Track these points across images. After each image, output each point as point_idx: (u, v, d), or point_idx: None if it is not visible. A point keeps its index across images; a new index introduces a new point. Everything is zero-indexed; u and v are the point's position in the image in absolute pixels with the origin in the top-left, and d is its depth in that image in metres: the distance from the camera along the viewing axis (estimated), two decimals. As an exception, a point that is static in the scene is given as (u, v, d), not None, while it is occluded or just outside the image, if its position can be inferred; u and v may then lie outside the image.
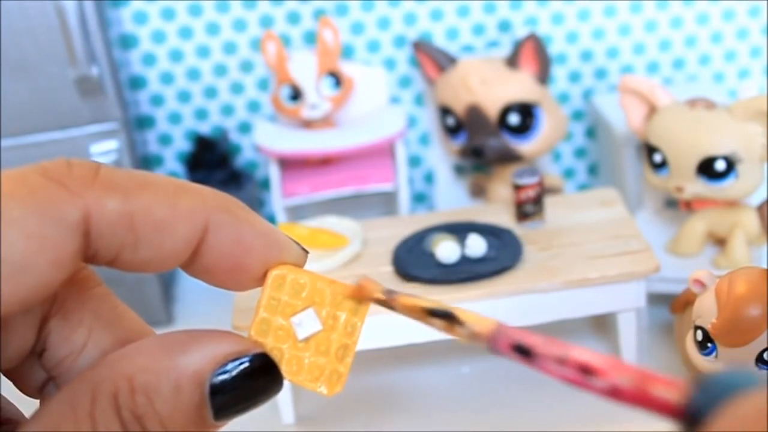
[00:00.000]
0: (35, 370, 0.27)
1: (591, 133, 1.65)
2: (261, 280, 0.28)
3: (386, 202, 1.59)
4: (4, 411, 0.27)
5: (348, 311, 0.28)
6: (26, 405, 0.29)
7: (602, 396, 0.22)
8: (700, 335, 0.94)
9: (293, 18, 1.53)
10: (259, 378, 0.26)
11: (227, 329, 0.27)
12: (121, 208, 0.25)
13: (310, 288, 0.28)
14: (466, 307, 0.27)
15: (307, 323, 0.28)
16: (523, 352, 0.23)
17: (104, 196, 0.24)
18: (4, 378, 0.27)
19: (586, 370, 0.22)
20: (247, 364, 0.26)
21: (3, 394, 0.27)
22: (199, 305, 1.48)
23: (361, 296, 0.28)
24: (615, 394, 0.21)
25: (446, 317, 0.26)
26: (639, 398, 0.21)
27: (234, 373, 0.25)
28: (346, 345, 0.28)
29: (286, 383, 0.28)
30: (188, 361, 0.25)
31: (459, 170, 1.62)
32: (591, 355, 0.22)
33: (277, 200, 1.47)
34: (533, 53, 1.40)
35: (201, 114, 1.58)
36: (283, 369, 0.27)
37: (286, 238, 0.28)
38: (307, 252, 0.29)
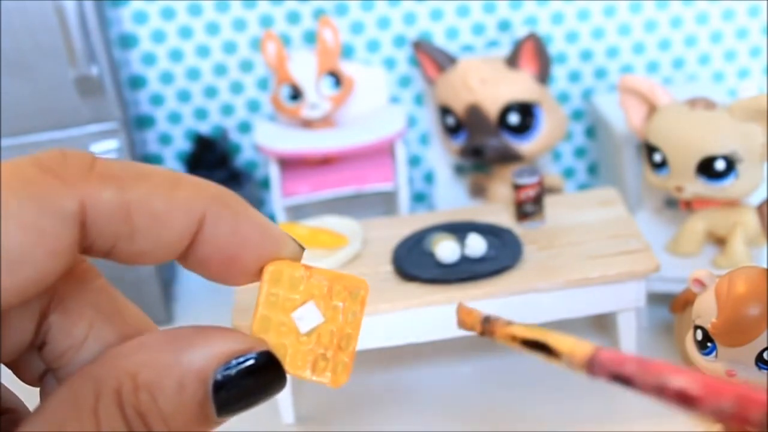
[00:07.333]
0: (34, 362, 0.27)
1: (591, 132, 1.65)
2: (256, 275, 0.28)
3: (386, 202, 1.59)
4: (4, 400, 0.27)
5: (347, 301, 0.28)
6: (26, 393, 0.29)
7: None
8: (699, 335, 0.94)
9: (293, 18, 1.53)
10: (262, 375, 0.26)
11: (226, 326, 0.27)
12: (117, 198, 0.24)
13: (307, 281, 0.28)
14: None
15: (308, 317, 0.28)
16: (622, 380, 0.24)
17: (100, 186, 0.24)
18: (4, 368, 0.27)
19: (684, 399, 0.22)
20: (250, 362, 0.26)
21: (3, 382, 0.27)
22: (199, 304, 1.48)
23: (461, 327, 0.29)
24: (718, 418, 0.22)
25: (542, 349, 0.26)
26: (740, 421, 0.21)
27: (237, 370, 0.25)
28: (348, 335, 0.28)
29: (287, 380, 0.28)
30: (192, 358, 0.25)
31: (459, 170, 1.62)
32: (687, 380, 0.22)
33: (277, 200, 1.47)
34: (533, 53, 1.40)
35: (201, 114, 1.58)
36: (287, 364, 0.27)
37: (282, 232, 0.28)
38: (303, 248, 0.29)
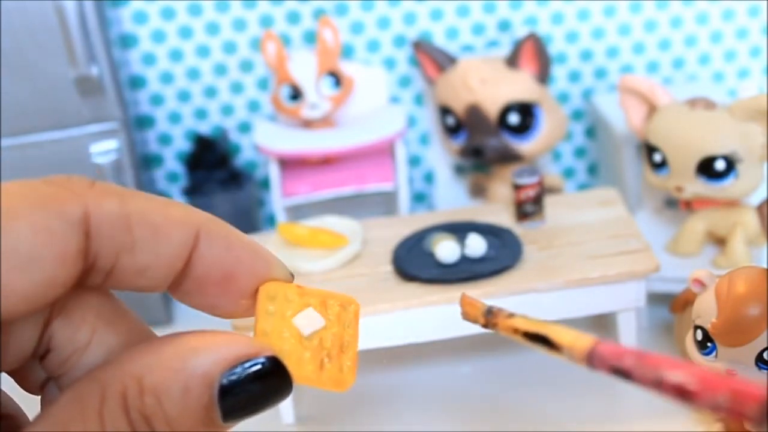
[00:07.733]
0: (36, 370, 0.28)
1: (591, 132, 1.65)
2: (251, 297, 0.29)
3: (386, 202, 1.59)
4: (4, 406, 0.27)
5: (341, 314, 0.29)
6: (26, 400, 0.29)
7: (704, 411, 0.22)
8: (699, 335, 0.94)
9: (293, 18, 1.53)
10: (268, 380, 0.26)
11: (227, 330, 0.27)
12: (118, 209, 0.26)
13: (300, 298, 0.29)
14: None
15: (310, 320, 0.28)
16: (621, 373, 0.24)
17: (102, 197, 0.26)
18: (4, 375, 0.27)
19: (681, 393, 0.22)
20: (257, 367, 0.26)
21: (3, 389, 0.28)
22: (199, 305, 1.48)
23: (465, 319, 0.29)
24: (715, 412, 0.22)
25: (543, 341, 0.27)
26: (736, 415, 0.21)
27: (244, 375, 0.26)
28: (348, 342, 0.29)
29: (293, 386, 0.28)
30: (198, 363, 0.25)
31: (459, 170, 1.62)
32: (684, 374, 0.22)
33: (277, 200, 1.47)
34: (533, 53, 1.40)
35: (201, 114, 1.58)
36: (292, 370, 0.27)
37: (272, 254, 0.29)
38: (292, 275, 0.30)
